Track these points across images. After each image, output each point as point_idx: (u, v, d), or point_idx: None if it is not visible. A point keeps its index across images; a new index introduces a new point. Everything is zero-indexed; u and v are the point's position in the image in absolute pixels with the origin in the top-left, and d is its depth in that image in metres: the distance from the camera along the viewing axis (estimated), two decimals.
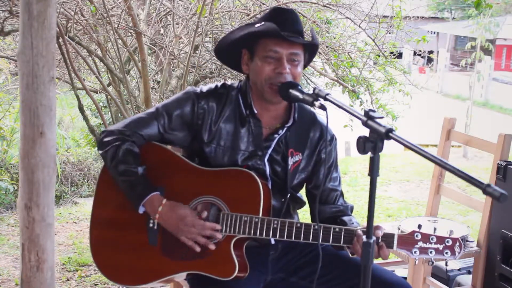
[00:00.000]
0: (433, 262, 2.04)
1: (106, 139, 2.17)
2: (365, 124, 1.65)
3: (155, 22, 4.95)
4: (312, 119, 2.28)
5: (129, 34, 4.77)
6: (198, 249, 2.08)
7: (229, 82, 2.27)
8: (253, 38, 2.13)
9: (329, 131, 2.26)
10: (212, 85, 2.23)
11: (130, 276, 2.18)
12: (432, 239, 1.99)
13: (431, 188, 3.39)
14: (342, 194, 2.34)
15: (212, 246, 2.07)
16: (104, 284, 3.96)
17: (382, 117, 1.65)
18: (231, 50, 2.21)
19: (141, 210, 2.12)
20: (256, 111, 2.17)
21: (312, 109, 2.19)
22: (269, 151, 2.20)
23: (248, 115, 2.17)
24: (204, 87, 2.21)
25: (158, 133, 2.18)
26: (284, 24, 2.09)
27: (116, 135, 2.17)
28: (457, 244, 1.99)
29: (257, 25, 2.11)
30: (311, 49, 2.22)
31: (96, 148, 2.32)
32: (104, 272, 2.22)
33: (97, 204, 2.26)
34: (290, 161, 2.21)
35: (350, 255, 2.19)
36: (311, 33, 2.19)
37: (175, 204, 2.10)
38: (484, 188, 1.38)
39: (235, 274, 2.05)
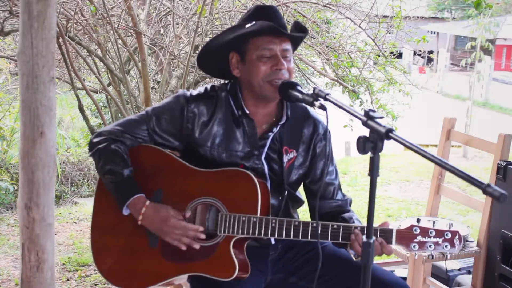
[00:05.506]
0: (433, 256, 2.03)
1: (95, 140, 2.18)
2: (365, 124, 1.65)
3: (155, 22, 4.95)
4: (305, 114, 2.27)
5: (129, 34, 4.77)
6: (184, 248, 2.09)
7: (217, 84, 2.27)
8: (242, 40, 2.12)
9: (322, 125, 2.27)
10: (202, 89, 2.23)
11: (132, 280, 2.18)
12: (431, 233, 1.99)
13: (431, 188, 3.39)
14: (340, 188, 2.34)
15: (196, 246, 2.08)
16: (104, 284, 3.96)
17: (382, 117, 1.65)
18: (216, 56, 2.20)
19: (125, 211, 2.13)
20: (248, 111, 2.17)
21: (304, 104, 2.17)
22: (265, 149, 2.20)
23: (241, 115, 2.17)
24: (193, 91, 2.22)
25: (147, 135, 2.19)
26: (271, 21, 2.09)
27: (105, 136, 2.17)
28: (457, 236, 1.98)
29: (248, 25, 2.10)
30: (297, 42, 2.24)
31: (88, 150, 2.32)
32: (106, 276, 2.23)
33: (96, 209, 2.26)
34: (285, 158, 2.21)
35: (354, 258, 2.17)
36: (298, 24, 2.20)
37: (158, 206, 2.12)
38: (484, 188, 1.38)
39: (236, 274, 2.05)
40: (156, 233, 2.12)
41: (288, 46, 2.12)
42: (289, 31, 2.16)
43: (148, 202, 2.11)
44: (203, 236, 2.09)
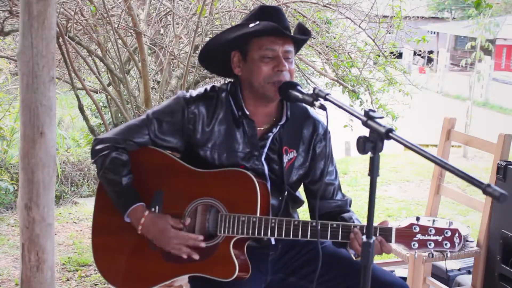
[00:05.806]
0: (433, 255, 2.03)
1: (97, 148, 2.19)
2: (365, 124, 1.65)
3: (155, 22, 4.95)
4: (304, 114, 2.27)
5: (129, 34, 4.77)
6: (185, 256, 2.10)
7: (218, 84, 2.26)
8: (245, 39, 2.12)
9: (322, 125, 2.27)
10: (202, 89, 2.22)
11: (133, 281, 2.19)
12: (430, 231, 1.99)
13: (431, 188, 3.39)
14: (339, 188, 2.34)
15: (196, 256, 2.09)
16: (104, 284, 3.96)
17: (382, 117, 1.65)
18: (218, 54, 2.19)
19: (127, 220, 2.15)
20: (248, 112, 2.16)
21: (304, 104, 2.17)
22: (265, 150, 2.20)
23: (241, 116, 2.17)
24: (193, 92, 2.22)
25: (149, 139, 2.19)
26: (275, 22, 2.09)
27: (106, 143, 2.18)
28: (456, 235, 1.98)
29: (251, 25, 2.10)
30: (299, 44, 2.24)
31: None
32: (107, 277, 2.23)
33: (98, 210, 2.27)
34: (285, 158, 2.21)
35: (354, 258, 2.17)
36: (301, 26, 2.20)
37: (157, 217, 2.13)
38: (484, 188, 1.38)
39: (236, 274, 2.05)
40: (156, 243, 2.13)
41: (290, 47, 2.12)
42: (292, 33, 2.16)
43: (147, 212, 2.12)
44: (203, 244, 2.09)
